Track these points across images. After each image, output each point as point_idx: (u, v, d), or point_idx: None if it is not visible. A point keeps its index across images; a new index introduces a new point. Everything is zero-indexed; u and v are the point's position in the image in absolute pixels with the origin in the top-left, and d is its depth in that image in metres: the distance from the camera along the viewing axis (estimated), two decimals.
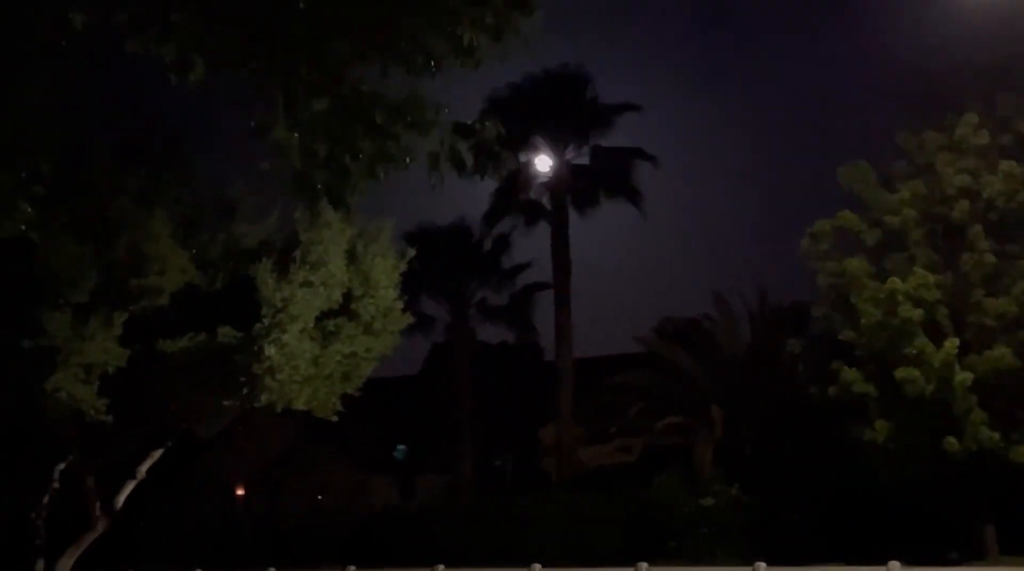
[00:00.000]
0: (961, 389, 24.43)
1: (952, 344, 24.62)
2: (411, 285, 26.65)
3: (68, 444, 23.17)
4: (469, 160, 8.39)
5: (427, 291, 42.66)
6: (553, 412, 40.15)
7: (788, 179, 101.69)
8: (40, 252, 19.39)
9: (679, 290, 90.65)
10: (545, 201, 41.39)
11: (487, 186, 40.24)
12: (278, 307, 20.70)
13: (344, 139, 7.78)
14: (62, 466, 23.97)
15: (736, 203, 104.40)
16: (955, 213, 26.30)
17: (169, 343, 20.90)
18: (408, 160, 8.25)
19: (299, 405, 21.96)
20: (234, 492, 44.37)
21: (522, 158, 40.24)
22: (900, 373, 24.91)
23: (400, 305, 23.45)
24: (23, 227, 10.70)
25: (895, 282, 25.38)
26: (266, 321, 20.62)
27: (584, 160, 41.53)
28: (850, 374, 26.24)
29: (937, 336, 25.18)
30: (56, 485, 24.27)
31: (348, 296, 22.48)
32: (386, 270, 23.00)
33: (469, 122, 8.54)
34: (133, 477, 24.06)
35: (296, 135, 7.87)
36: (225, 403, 22.59)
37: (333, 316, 22.28)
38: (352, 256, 22.61)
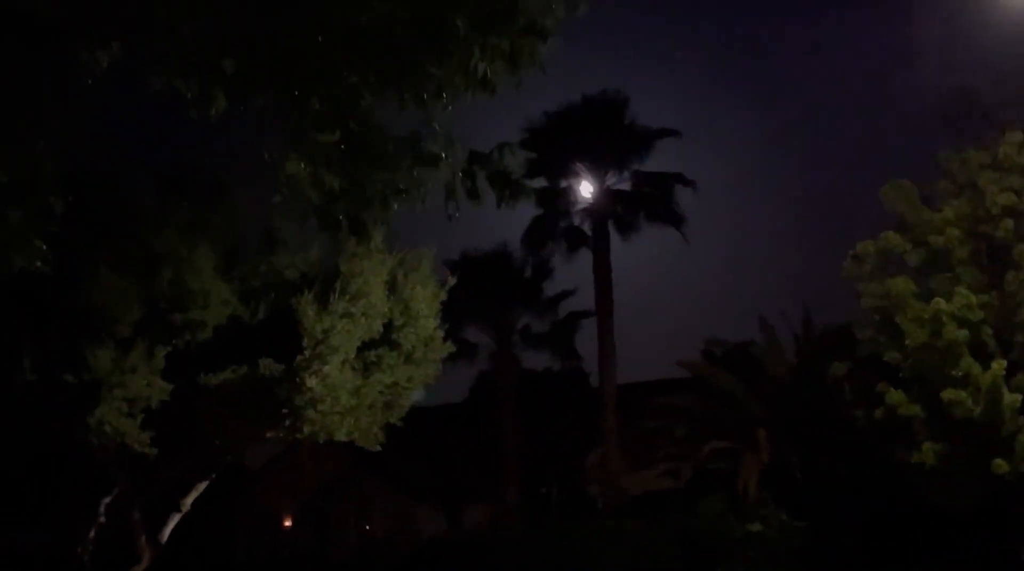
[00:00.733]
0: (1010, 411, 24.13)
1: (1000, 365, 24.30)
2: (454, 312, 26.54)
3: (113, 478, 23.25)
4: (485, 190, 8.38)
5: (471, 318, 42.51)
6: (599, 438, 40.00)
7: (829, 200, 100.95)
8: (83, 287, 19.59)
9: (722, 313, 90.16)
10: (586, 227, 41.42)
11: (530, 211, 40.40)
12: (319, 338, 20.64)
13: (353, 172, 7.80)
14: (108, 500, 23.99)
15: (777, 225, 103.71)
16: (999, 232, 26.00)
17: (211, 376, 20.92)
18: (423, 191, 8.25)
19: (341, 436, 21.87)
20: (281, 523, 44.38)
21: (563, 184, 40.36)
22: (947, 395, 24.59)
23: (441, 334, 23.32)
24: (39, 263, 10.80)
25: (939, 303, 25.08)
26: (307, 353, 20.54)
27: (625, 186, 41.59)
28: (896, 396, 25.97)
29: (983, 356, 24.87)
30: (102, 519, 24.28)
31: (389, 326, 22.37)
32: (427, 299, 22.92)
33: (487, 151, 8.51)
34: (178, 510, 24.11)
35: (305, 167, 7.87)
36: (268, 435, 22.66)
37: (374, 346, 22.19)
38: (393, 286, 22.55)
